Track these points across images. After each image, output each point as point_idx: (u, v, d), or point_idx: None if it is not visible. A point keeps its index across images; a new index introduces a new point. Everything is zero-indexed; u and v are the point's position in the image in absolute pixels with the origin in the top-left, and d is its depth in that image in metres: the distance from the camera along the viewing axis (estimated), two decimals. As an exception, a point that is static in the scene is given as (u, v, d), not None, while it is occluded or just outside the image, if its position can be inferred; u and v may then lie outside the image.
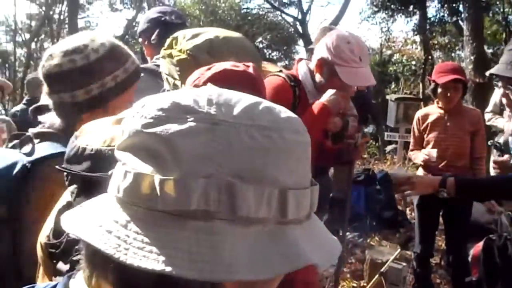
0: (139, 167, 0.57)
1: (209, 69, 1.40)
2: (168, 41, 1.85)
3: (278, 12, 19.09)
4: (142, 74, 1.64)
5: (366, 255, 4.33)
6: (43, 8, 21.60)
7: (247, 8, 19.00)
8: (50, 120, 1.49)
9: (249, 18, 17.47)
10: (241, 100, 0.60)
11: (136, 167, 0.57)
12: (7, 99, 20.75)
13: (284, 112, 0.61)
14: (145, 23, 2.65)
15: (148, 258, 0.51)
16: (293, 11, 20.33)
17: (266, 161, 0.56)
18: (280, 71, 2.51)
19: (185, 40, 1.79)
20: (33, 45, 21.82)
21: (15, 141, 1.48)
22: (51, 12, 20.53)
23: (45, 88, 1.47)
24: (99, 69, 1.43)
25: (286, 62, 21.36)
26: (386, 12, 15.89)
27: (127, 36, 16.82)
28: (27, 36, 22.78)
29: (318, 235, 0.62)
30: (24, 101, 4.48)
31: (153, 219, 0.55)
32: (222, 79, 1.30)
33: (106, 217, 0.57)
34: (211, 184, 0.54)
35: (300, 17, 17.83)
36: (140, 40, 2.73)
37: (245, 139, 0.56)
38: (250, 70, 1.40)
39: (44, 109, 1.51)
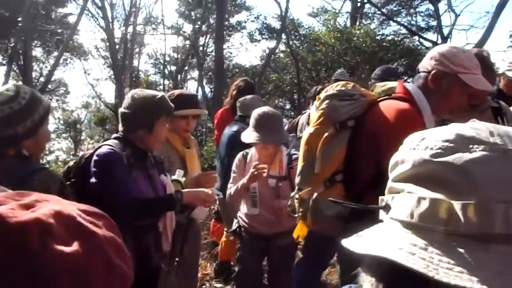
0: (430, 194, 0.60)
1: None
2: None
3: (416, 37, 18.59)
4: None
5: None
6: (188, 41, 23.32)
7: (382, 35, 18.74)
8: None
9: (384, 44, 17.14)
10: None
11: (426, 194, 0.61)
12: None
13: None
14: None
15: (462, 278, 0.54)
16: (431, 35, 19.68)
17: None
18: (390, 94, 2.41)
19: None
20: (178, 77, 23.60)
21: None
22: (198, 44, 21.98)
23: None
24: None
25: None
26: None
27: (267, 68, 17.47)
28: (173, 68, 24.68)
29: None
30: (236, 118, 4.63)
31: (453, 242, 0.58)
32: None
33: (401, 241, 0.61)
34: (511, 209, 0.56)
35: (440, 41, 17.18)
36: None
37: None
38: None
39: None
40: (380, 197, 0.69)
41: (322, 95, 2.46)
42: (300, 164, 2.47)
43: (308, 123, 2.63)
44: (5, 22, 17.55)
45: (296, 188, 2.52)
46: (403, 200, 0.64)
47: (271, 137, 3.30)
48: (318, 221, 2.39)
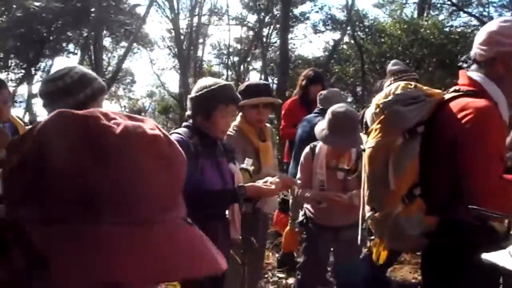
0: None
1: None
2: None
3: (487, 29, 17.80)
4: None
5: None
6: (252, 32, 23.39)
7: (451, 26, 18.06)
8: None
9: (453, 36, 16.52)
10: None
11: None
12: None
13: None
14: None
15: None
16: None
17: None
18: (458, 90, 2.16)
19: None
20: (241, 67, 23.75)
21: None
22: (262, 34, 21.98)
23: None
24: None
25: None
26: None
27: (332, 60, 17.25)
28: (236, 59, 24.84)
29: None
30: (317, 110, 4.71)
31: None
32: None
33: None
34: None
35: (514, 33, 16.36)
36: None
37: None
38: None
39: None
40: None
41: (380, 101, 2.21)
42: (367, 183, 2.27)
43: (366, 133, 2.35)
44: (77, 13, 18.30)
45: (369, 209, 2.31)
46: None
47: (340, 143, 3.35)
48: (399, 240, 2.21)
